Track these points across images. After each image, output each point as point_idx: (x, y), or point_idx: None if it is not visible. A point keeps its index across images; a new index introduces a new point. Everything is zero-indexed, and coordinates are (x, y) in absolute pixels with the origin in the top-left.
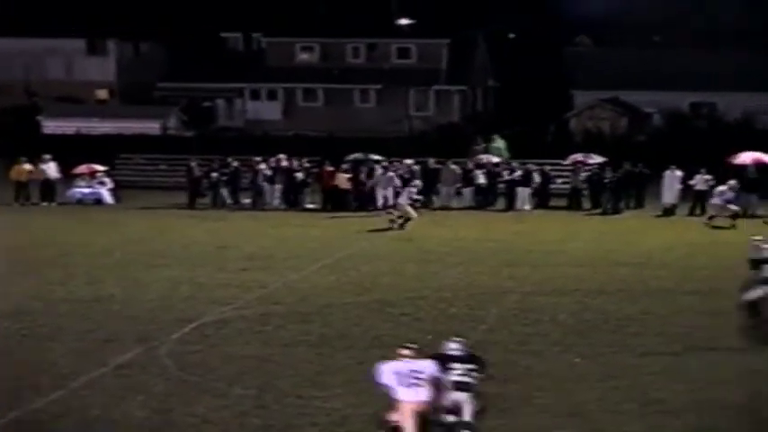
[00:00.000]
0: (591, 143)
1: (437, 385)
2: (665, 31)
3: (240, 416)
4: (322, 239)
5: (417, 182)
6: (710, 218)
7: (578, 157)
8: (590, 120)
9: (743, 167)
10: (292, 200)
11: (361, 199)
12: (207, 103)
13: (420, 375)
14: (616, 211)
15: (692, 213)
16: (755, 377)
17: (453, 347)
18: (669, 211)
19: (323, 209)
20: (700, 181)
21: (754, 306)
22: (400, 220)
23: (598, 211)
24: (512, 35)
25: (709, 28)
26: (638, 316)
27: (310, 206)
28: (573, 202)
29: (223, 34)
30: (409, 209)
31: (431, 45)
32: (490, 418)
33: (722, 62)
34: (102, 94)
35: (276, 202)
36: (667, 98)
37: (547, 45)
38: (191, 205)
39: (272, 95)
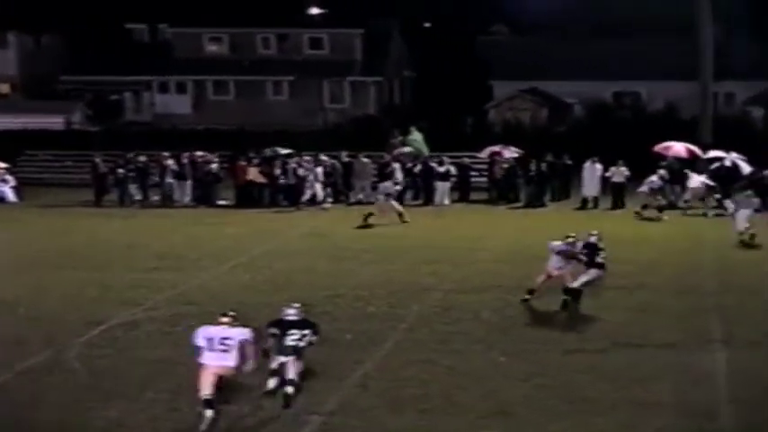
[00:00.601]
0: (511, 135)
1: (247, 351)
2: (583, 19)
3: (153, 420)
4: (235, 237)
5: (399, 176)
6: (643, 207)
7: (495, 148)
8: (509, 111)
9: (664, 158)
10: (204, 196)
11: (276, 194)
12: (113, 97)
13: (229, 342)
14: (540, 204)
15: (614, 207)
16: (682, 375)
17: (290, 313)
18: (587, 203)
19: (236, 205)
20: (616, 173)
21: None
22: (372, 217)
23: (519, 204)
24: (427, 24)
25: (628, 15)
26: (562, 312)
27: (222, 203)
28: (494, 195)
29: (128, 25)
30: (393, 203)
31: (344, 35)
32: (412, 420)
33: (645, 51)
34: (4, 88)
35: (186, 198)
36: (589, 88)
37: (463, 34)
38: (97, 203)
39: (180, 88)
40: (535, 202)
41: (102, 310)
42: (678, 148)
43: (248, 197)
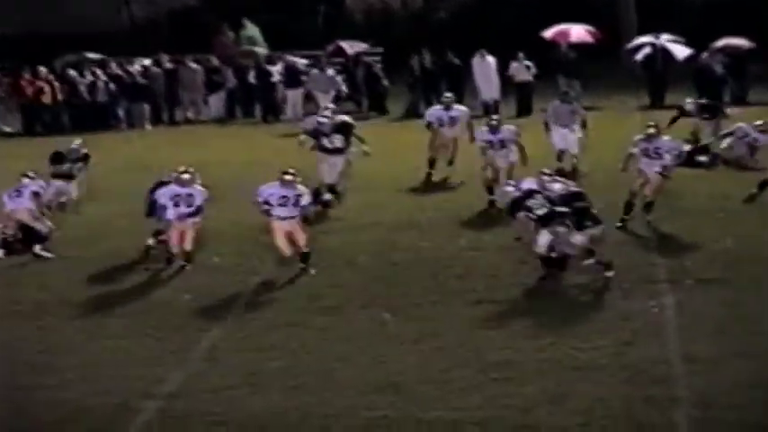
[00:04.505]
0: (376, 25)
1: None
2: None
3: None
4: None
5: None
6: None
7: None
8: None
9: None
10: None
11: (82, 115)
12: None
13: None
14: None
15: (519, 113)
16: (621, 327)
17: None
18: (489, 109)
19: (24, 132)
20: (518, 70)
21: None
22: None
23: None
24: None
25: None
26: (466, 252)
27: (7, 129)
28: (364, 106)
29: None
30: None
31: None
32: (279, 400)
33: None
34: None
35: None
36: None
37: None
38: None
39: None
40: (417, 111)
41: None
42: (578, 30)
43: (38, 121)
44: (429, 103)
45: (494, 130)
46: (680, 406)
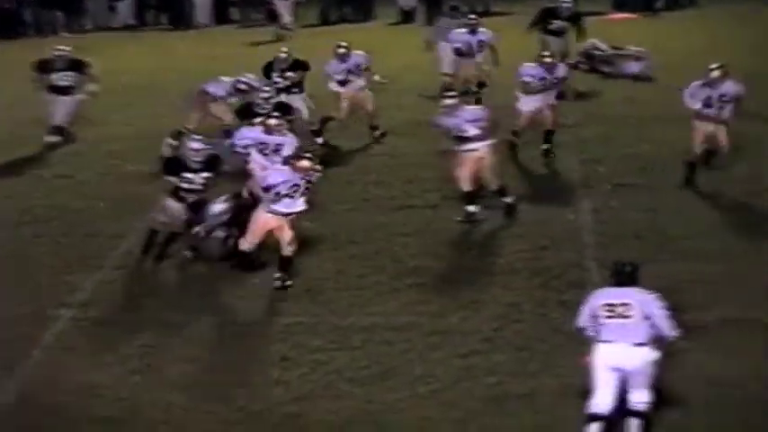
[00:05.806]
0: None
1: None
2: None
3: None
4: None
5: None
6: None
7: None
8: None
9: None
10: None
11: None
12: None
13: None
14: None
15: (429, 23)
16: (537, 231)
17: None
18: (408, 17)
19: None
20: None
21: None
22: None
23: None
24: None
25: None
26: (384, 159)
27: None
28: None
29: None
30: None
31: None
32: (197, 306)
33: None
34: None
35: None
36: None
37: None
38: None
39: None
40: (327, 20)
41: None
42: None
43: None
44: (340, 10)
45: (473, 30)
46: None
